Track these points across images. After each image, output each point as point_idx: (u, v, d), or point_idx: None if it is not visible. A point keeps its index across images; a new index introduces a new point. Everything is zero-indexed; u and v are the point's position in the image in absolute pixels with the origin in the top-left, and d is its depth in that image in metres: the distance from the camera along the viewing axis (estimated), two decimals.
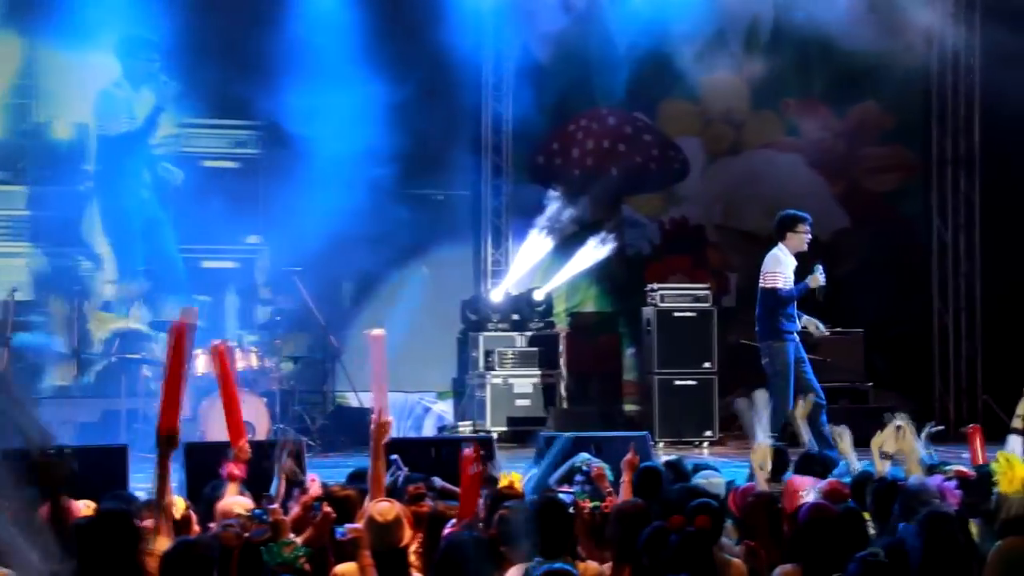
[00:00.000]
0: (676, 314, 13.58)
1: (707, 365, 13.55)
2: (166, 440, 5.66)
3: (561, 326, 14.32)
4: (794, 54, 14.99)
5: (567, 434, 8.24)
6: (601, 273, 14.80)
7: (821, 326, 11.04)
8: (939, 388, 15.03)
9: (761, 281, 10.72)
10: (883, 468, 6.83)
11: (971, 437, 7.56)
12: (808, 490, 6.20)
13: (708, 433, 13.35)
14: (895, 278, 15.21)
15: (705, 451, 12.77)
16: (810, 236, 10.67)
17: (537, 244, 14.47)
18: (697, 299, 13.73)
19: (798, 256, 10.71)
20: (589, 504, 6.16)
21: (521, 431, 12.52)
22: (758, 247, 15.12)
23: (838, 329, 14.17)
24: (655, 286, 13.87)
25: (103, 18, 12.90)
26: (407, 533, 5.44)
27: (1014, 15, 13.69)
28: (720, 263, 15.08)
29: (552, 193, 14.53)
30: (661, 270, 14.78)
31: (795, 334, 10.60)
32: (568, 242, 14.58)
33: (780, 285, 10.54)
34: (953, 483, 6.07)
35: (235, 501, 5.91)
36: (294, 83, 12.94)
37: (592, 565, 5.43)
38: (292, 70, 12.95)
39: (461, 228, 14.55)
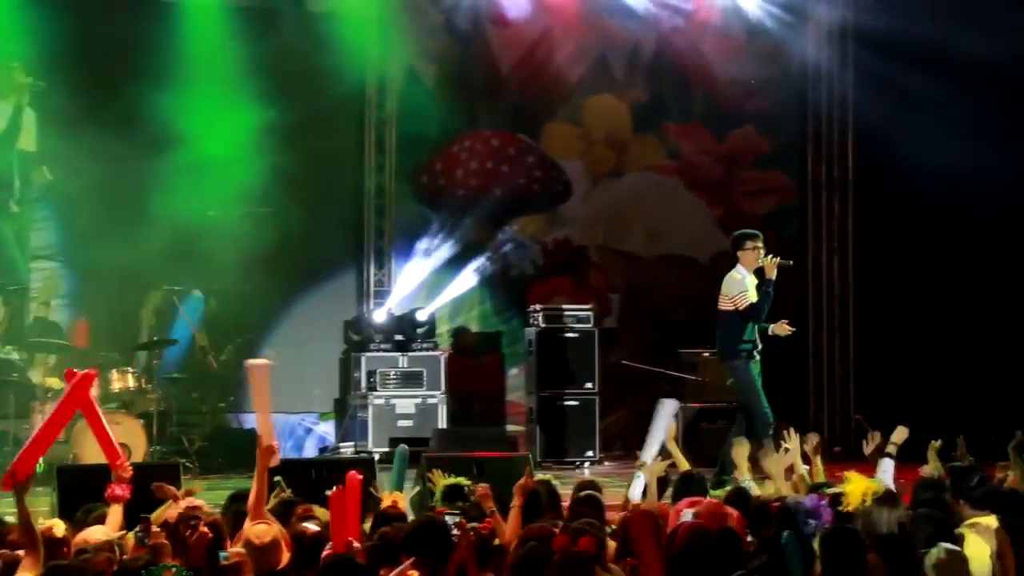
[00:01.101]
0: (559, 335, 13.66)
1: (589, 385, 13.63)
2: (14, 483, 5.63)
3: (444, 346, 14.31)
4: (674, 78, 15.21)
5: (403, 448, 8.21)
6: (484, 294, 14.85)
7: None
8: (814, 408, 15.30)
9: (723, 304, 10.64)
10: (781, 487, 7.01)
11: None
12: (685, 512, 6.26)
13: (589, 453, 13.42)
14: (772, 300, 15.43)
15: (587, 471, 12.83)
16: (763, 251, 10.55)
17: (420, 264, 14.46)
18: (579, 320, 13.81)
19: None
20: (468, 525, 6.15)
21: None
22: (639, 268, 15.37)
23: (715, 350, 14.35)
24: (538, 307, 13.93)
25: None
26: (284, 556, 5.39)
27: (885, 45, 14.04)
28: (602, 284, 15.21)
29: (435, 214, 14.55)
30: (544, 291, 14.85)
31: (755, 353, 10.56)
32: (451, 263, 14.60)
33: (752, 300, 10.46)
34: (826, 501, 6.21)
35: (92, 531, 5.84)
36: (173, 95, 12.75)
37: None
38: (170, 81, 12.78)
39: (344, 248, 14.48)
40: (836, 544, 5.22)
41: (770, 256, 10.47)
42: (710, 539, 5.36)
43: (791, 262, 10.70)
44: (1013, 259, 14.04)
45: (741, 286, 10.54)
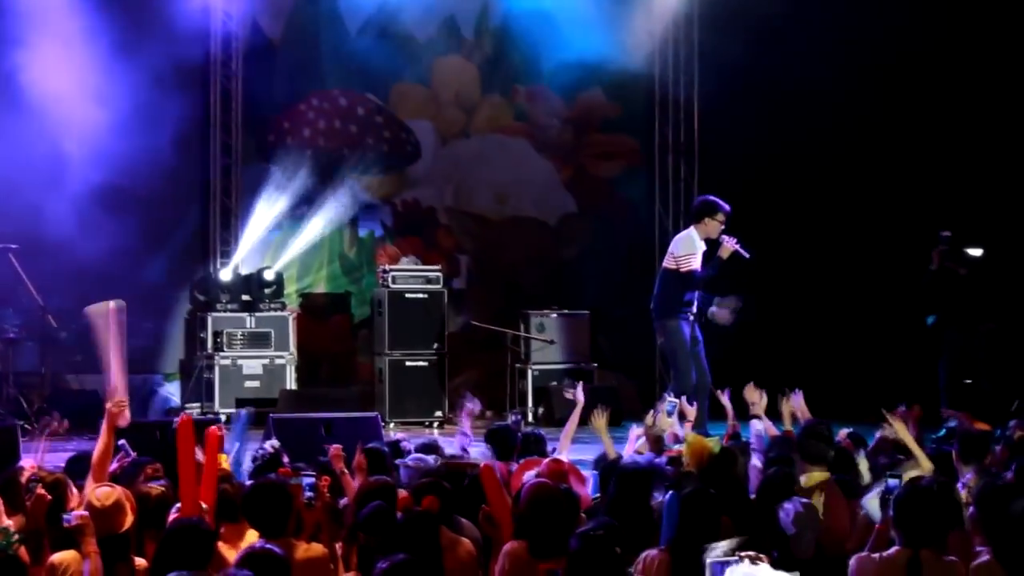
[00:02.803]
0: (407, 295, 13.67)
1: (437, 346, 13.69)
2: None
3: (292, 307, 14.21)
4: (523, 41, 15.26)
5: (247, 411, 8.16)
6: (333, 254, 14.78)
7: (727, 308, 10.83)
8: (660, 368, 15.56)
9: (667, 262, 10.66)
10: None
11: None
12: (528, 473, 6.36)
13: (438, 413, 13.50)
14: (619, 262, 15.70)
15: (435, 431, 12.91)
16: (724, 228, 10.54)
17: (267, 224, 14.31)
18: (428, 281, 13.85)
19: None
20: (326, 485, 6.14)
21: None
22: (488, 230, 15.44)
23: (565, 311, 14.55)
24: (387, 267, 13.93)
25: None
26: (128, 518, 5.33)
27: (728, 15, 14.29)
28: (451, 245, 15.25)
29: (283, 173, 14.40)
30: (393, 251, 14.85)
31: (690, 315, 10.61)
32: (299, 222, 14.49)
33: (695, 267, 10.48)
34: (663, 460, 6.36)
35: None
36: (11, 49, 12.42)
37: (314, 546, 5.42)
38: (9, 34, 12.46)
39: (190, 207, 14.26)
40: (694, 505, 5.34)
41: (733, 239, 10.46)
42: (554, 496, 5.45)
43: (748, 256, 10.60)
44: (850, 222, 14.43)
45: (690, 248, 10.56)
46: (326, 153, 14.64)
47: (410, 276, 13.84)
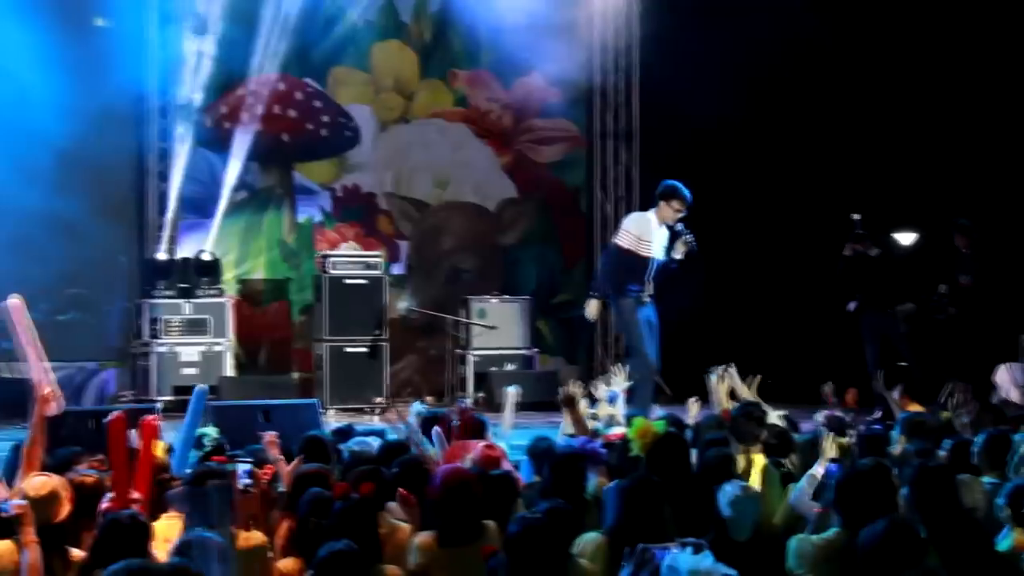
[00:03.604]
0: (347, 281, 13.61)
1: (378, 332, 13.65)
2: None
3: (230, 293, 14.10)
4: (462, 26, 15.22)
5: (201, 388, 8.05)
6: (271, 240, 14.68)
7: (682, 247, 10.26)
8: (600, 354, 15.62)
9: (621, 239, 10.27)
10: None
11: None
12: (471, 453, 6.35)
13: (378, 400, 13.45)
14: (559, 247, 15.73)
15: (376, 418, 12.86)
16: (682, 215, 10.13)
17: (205, 210, 14.18)
18: (368, 266, 13.79)
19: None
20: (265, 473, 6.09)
21: (187, 400, 12.21)
22: (428, 215, 15.40)
23: (506, 296, 14.55)
24: (326, 253, 13.87)
25: None
26: (65, 508, 5.27)
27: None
28: (391, 231, 15.20)
29: (220, 158, 14.28)
30: (332, 237, 14.78)
31: (643, 295, 10.25)
32: (237, 208, 14.38)
33: (653, 255, 10.14)
34: (598, 443, 6.37)
35: None
36: None
37: (256, 534, 5.39)
38: None
39: (126, 192, 14.09)
40: (637, 494, 5.34)
41: (689, 237, 10.15)
42: (465, 482, 5.38)
43: (695, 251, 10.26)
44: (790, 207, 14.52)
45: (645, 229, 10.17)
46: (264, 138, 14.53)
47: (350, 262, 13.77)
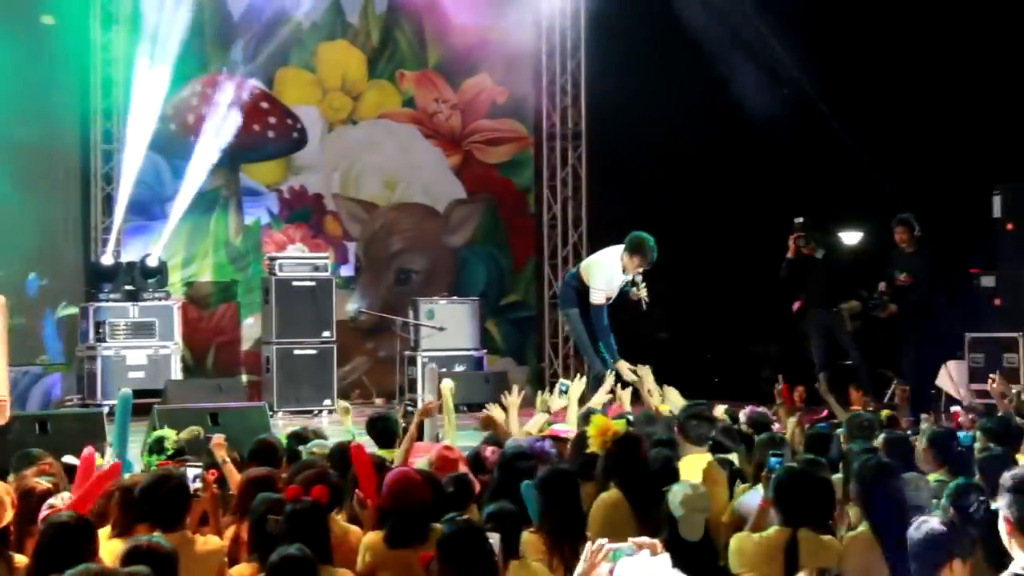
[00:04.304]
0: (295, 283, 13.55)
1: (326, 334, 13.60)
2: None
3: (177, 296, 14.00)
4: (410, 26, 15.20)
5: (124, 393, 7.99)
6: (218, 242, 14.60)
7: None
8: (549, 354, 15.65)
9: (591, 296, 10.44)
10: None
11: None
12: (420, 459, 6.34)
13: (327, 402, 13.40)
14: (508, 248, 15.74)
15: (324, 420, 12.82)
16: (641, 270, 10.31)
17: (151, 212, 14.07)
18: (316, 268, 13.74)
19: None
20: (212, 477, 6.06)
21: (135, 404, 12.11)
22: (376, 216, 15.36)
23: (455, 297, 14.54)
24: (273, 255, 13.81)
25: None
26: (7, 514, 5.20)
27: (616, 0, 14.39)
28: (339, 232, 15.14)
29: (166, 160, 14.18)
30: (280, 239, 14.71)
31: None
32: (184, 210, 14.26)
33: (600, 303, 10.36)
34: (547, 443, 6.37)
35: None
36: None
37: (211, 538, 5.36)
38: None
39: (71, 195, 13.96)
40: (553, 485, 5.44)
41: (643, 288, 10.32)
42: (413, 484, 5.37)
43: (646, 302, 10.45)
44: (738, 207, 14.59)
45: (612, 281, 10.40)
46: (210, 140, 14.42)
47: (297, 264, 13.72)
